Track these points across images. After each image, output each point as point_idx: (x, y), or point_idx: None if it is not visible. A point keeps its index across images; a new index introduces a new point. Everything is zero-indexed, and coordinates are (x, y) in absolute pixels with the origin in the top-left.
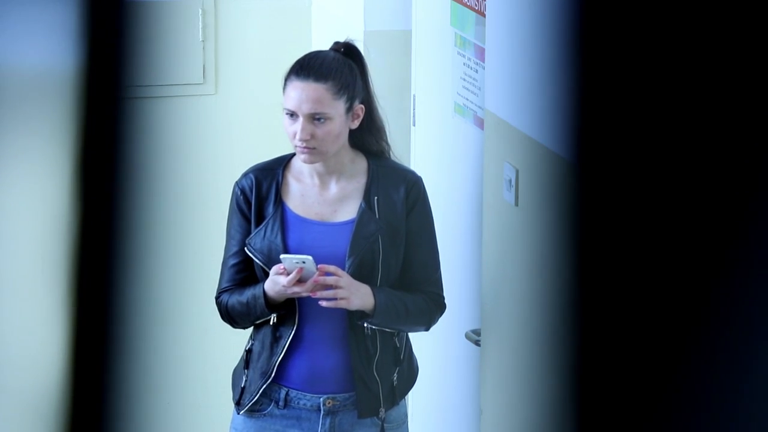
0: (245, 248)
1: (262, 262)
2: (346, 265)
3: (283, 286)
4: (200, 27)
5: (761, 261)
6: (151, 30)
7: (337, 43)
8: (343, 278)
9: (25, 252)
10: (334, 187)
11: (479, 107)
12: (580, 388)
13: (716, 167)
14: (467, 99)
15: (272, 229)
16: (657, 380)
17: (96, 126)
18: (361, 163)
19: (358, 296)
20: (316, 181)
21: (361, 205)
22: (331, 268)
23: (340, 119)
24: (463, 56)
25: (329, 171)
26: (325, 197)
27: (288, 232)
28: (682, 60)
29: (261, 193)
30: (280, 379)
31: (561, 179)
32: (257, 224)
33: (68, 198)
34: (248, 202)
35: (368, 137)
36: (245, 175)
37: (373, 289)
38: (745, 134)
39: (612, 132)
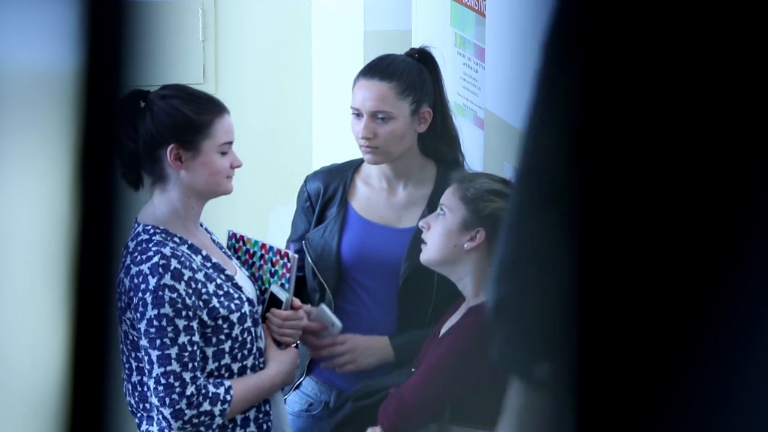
0: (303, 243)
1: (312, 260)
2: (401, 270)
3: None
4: (200, 27)
5: (761, 260)
6: (151, 30)
7: (412, 49)
8: (347, 343)
9: (25, 252)
10: (401, 193)
11: (479, 107)
12: (581, 387)
13: (718, 167)
14: (467, 99)
15: (331, 231)
16: (657, 381)
17: (96, 126)
18: (430, 170)
19: (368, 355)
20: (384, 185)
21: (423, 212)
22: (340, 338)
23: (404, 120)
24: (463, 56)
25: (397, 176)
26: (391, 202)
27: (345, 235)
28: (682, 60)
29: (326, 195)
30: (328, 380)
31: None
32: (318, 223)
33: (68, 198)
34: (311, 206)
35: (441, 146)
36: (315, 175)
37: (391, 339)
38: (745, 134)
39: (612, 132)
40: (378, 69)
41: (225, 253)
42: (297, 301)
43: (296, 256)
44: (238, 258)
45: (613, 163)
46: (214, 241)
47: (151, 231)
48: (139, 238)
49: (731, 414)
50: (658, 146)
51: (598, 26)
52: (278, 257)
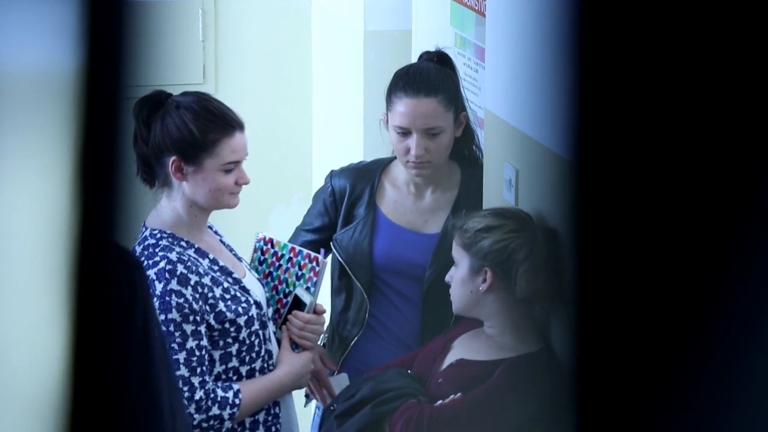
0: (331, 243)
1: (343, 260)
2: (426, 275)
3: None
4: (200, 27)
5: (760, 261)
6: (151, 30)
7: (429, 53)
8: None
9: (25, 252)
10: (428, 198)
11: (479, 107)
12: (581, 387)
13: (717, 167)
14: (467, 99)
15: (361, 232)
16: (656, 382)
17: (96, 126)
18: (456, 175)
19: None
20: (412, 189)
21: (448, 217)
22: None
23: (450, 130)
24: (463, 56)
25: (426, 182)
26: (418, 207)
27: (376, 237)
28: (682, 60)
29: (353, 194)
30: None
31: (561, 179)
32: (346, 222)
33: (68, 198)
34: (334, 203)
35: (462, 143)
36: (342, 172)
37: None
38: (745, 134)
39: (612, 132)
40: (420, 84)
41: (235, 254)
42: (320, 306)
43: (326, 261)
44: (264, 261)
45: (614, 163)
46: (223, 242)
47: (158, 235)
48: (146, 243)
49: (731, 414)
50: (658, 147)
51: (600, 26)
52: (306, 261)
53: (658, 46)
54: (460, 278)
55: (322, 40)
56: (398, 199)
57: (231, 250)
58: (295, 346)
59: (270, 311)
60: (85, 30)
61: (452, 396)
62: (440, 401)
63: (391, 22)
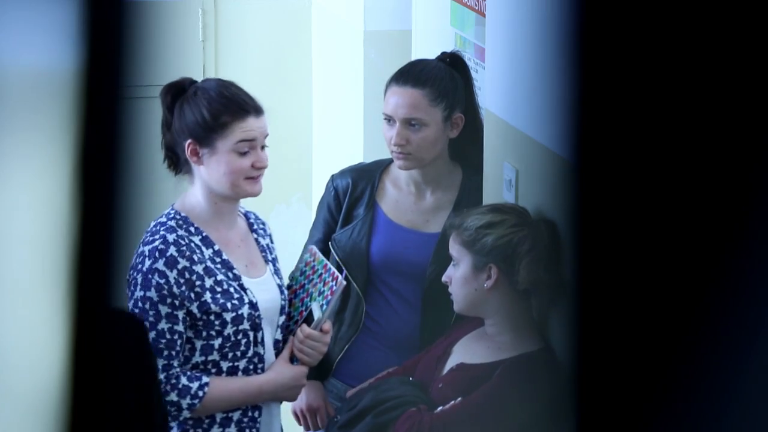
0: (330, 243)
1: (341, 260)
2: (427, 273)
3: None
4: (200, 27)
5: (760, 259)
6: (151, 30)
7: (443, 53)
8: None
9: (25, 252)
10: (429, 198)
11: (479, 107)
12: (580, 385)
13: (716, 167)
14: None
15: (360, 232)
16: (656, 382)
17: (96, 126)
18: (457, 175)
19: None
20: (413, 189)
21: (449, 216)
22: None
23: (436, 126)
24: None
25: (426, 180)
26: (419, 206)
27: (374, 236)
28: (681, 60)
29: (354, 194)
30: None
31: (561, 179)
32: (345, 223)
33: (68, 198)
34: (339, 204)
35: (471, 147)
36: (343, 173)
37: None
38: (744, 134)
39: (612, 132)
40: (410, 75)
41: (265, 255)
42: (327, 325)
43: (344, 283)
44: (304, 272)
45: (614, 163)
46: (258, 241)
47: (171, 215)
48: (159, 220)
49: (731, 414)
50: (658, 147)
51: (599, 26)
52: (329, 278)
53: (658, 46)
54: (462, 277)
55: (322, 40)
56: (399, 198)
57: (264, 249)
58: (295, 359)
59: (282, 319)
60: (85, 30)
61: (452, 401)
62: (441, 408)
63: (391, 22)
